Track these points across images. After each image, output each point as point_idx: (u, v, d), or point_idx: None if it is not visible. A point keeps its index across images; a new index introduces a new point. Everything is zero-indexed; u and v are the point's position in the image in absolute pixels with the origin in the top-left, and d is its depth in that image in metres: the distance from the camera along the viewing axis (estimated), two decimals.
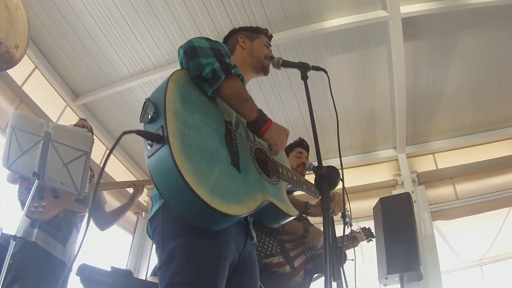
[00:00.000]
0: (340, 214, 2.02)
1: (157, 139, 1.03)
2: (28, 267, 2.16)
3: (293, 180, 1.49)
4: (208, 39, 1.30)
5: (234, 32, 1.72)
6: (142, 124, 1.12)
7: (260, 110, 1.28)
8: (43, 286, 2.18)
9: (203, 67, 1.20)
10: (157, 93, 1.13)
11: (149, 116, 1.08)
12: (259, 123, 1.25)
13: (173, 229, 1.15)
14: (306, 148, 2.70)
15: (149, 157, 1.06)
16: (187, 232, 1.13)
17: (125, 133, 1.01)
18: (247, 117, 1.26)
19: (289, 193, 1.50)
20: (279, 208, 1.27)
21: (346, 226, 1.46)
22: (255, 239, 1.41)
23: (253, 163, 1.30)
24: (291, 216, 1.32)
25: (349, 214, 2.22)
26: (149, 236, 1.25)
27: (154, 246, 1.23)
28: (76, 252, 2.48)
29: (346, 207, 1.61)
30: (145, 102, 1.11)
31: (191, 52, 1.23)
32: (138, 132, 1.05)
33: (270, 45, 1.72)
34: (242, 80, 1.32)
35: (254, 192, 1.20)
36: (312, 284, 2.31)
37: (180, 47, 1.28)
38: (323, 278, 2.51)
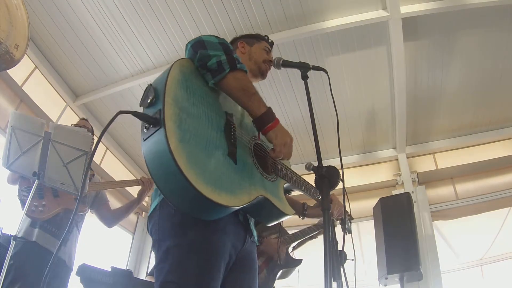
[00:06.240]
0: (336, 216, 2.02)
1: (154, 122, 1.02)
2: (29, 267, 2.15)
3: (292, 179, 1.47)
4: (216, 36, 1.31)
5: (235, 40, 1.73)
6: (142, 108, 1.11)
7: (269, 107, 1.25)
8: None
9: (210, 58, 1.20)
10: (159, 79, 1.13)
11: (149, 100, 1.07)
12: (266, 119, 1.22)
13: (169, 228, 1.14)
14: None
15: (144, 140, 1.05)
16: (183, 231, 1.12)
17: (121, 112, 1.01)
18: (254, 111, 1.22)
19: (287, 192, 1.49)
20: (274, 205, 1.25)
21: (345, 233, 1.46)
22: (256, 237, 1.39)
23: (251, 157, 1.28)
24: (286, 214, 1.31)
25: (349, 223, 2.23)
26: (149, 233, 1.25)
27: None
28: (75, 251, 2.49)
29: (346, 213, 1.60)
30: (146, 88, 1.11)
31: (200, 45, 1.23)
32: (135, 114, 1.05)
33: (270, 51, 1.72)
34: None
35: (249, 185, 1.17)
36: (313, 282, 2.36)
37: (188, 42, 1.28)
38: (291, 272, 2.57)
